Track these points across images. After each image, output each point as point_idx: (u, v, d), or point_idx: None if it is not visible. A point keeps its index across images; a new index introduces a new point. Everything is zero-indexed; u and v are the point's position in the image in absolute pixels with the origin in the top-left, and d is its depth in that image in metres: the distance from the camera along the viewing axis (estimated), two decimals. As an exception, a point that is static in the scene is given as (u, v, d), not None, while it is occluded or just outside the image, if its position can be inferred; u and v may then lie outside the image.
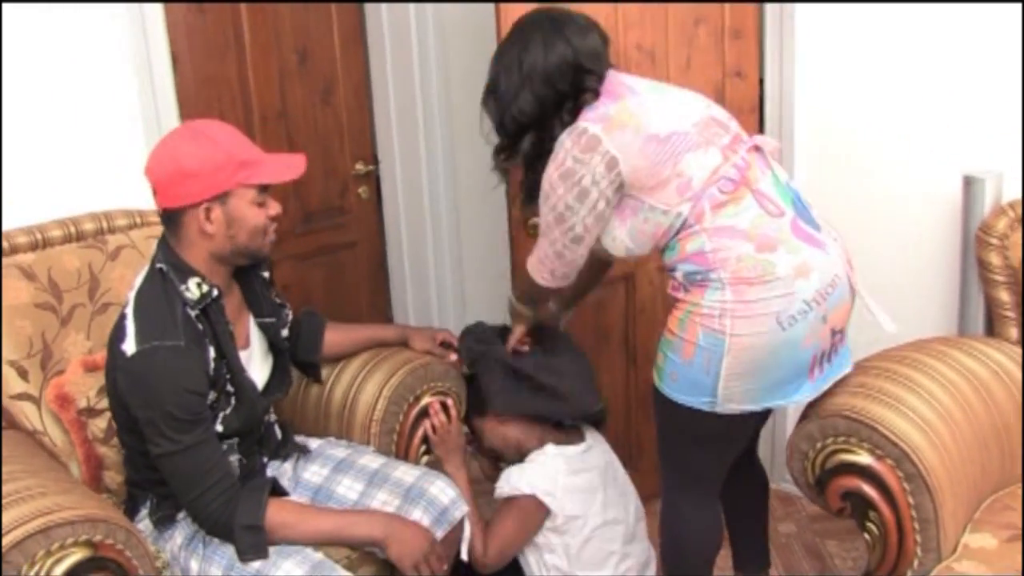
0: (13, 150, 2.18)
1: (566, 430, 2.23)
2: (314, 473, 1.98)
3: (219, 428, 1.75)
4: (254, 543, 1.68)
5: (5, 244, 2.04)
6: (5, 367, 1.94)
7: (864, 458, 1.76)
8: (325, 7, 3.08)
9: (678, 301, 1.83)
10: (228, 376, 1.77)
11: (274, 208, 1.75)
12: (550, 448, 2.15)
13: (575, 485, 2.13)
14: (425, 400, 2.14)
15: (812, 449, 1.84)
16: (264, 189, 1.73)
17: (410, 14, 3.05)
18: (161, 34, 2.43)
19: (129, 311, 1.71)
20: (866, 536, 1.81)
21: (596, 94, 1.82)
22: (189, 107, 2.70)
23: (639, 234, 1.82)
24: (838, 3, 2.44)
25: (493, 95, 1.89)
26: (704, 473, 1.97)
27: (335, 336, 2.16)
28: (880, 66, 2.41)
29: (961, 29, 2.31)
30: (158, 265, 1.73)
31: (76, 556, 1.50)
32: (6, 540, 1.44)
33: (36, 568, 1.46)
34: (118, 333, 1.70)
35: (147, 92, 2.40)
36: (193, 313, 1.71)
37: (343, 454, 2.01)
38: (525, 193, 1.94)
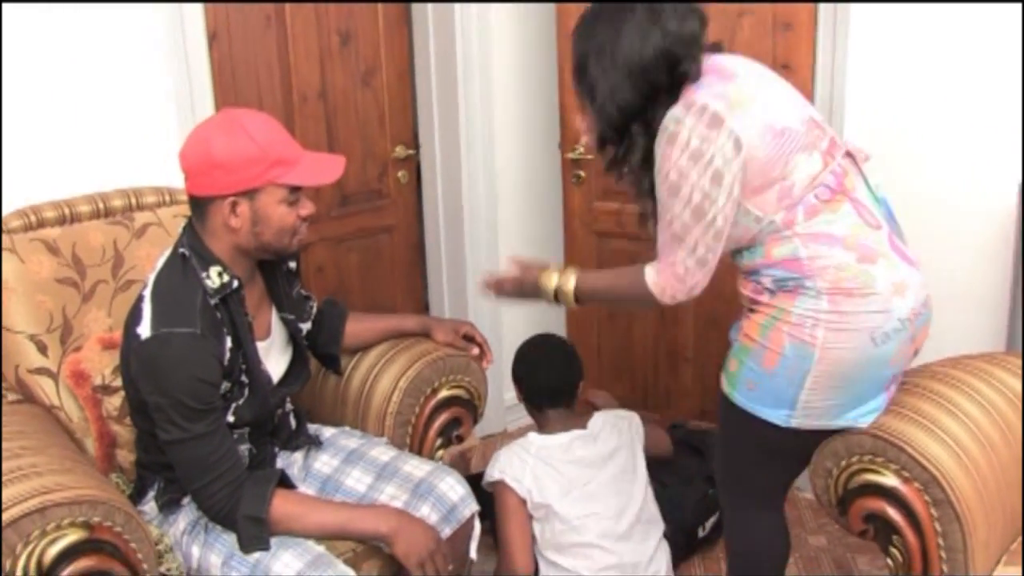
0: (46, 126, 2.19)
1: (564, 418, 2.30)
2: (324, 463, 1.96)
3: (230, 419, 1.73)
4: (256, 535, 1.66)
5: (32, 218, 2.04)
6: (25, 341, 1.94)
7: (890, 479, 1.67)
8: (370, -13, 3.05)
9: (759, 305, 1.71)
10: (243, 367, 1.75)
11: (307, 208, 1.71)
12: (531, 436, 2.27)
13: (546, 473, 2.18)
14: (443, 393, 2.11)
15: (836, 467, 1.76)
16: (297, 188, 1.69)
17: (455, 3, 3.00)
18: (197, 10, 2.43)
19: (147, 293, 1.69)
20: (889, 561, 1.73)
21: (697, 74, 1.65)
22: (226, 85, 2.70)
23: (731, 240, 1.68)
24: (895, 2, 2.33)
25: (585, 81, 1.70)
26: (770, 487, 1.90)
27: (356, 327, 2.13)
28: (935, 66, 2.32)
29: (1016, 34, 2.21)
30: (181, 250, 1.70)
31: (71, 537, 1.49)
32: (3, 518, 1.43)
33: (30, 548, 1.45)
34: (134, 316, 1.68)
35: (182, 69, 2.40)
36: (213, 301, 1.68)
37: (355, 445, 1.98)
38: (640, 192, 1.75)
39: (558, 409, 2.32)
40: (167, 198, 2.26)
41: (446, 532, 1.84)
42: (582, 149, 3.05)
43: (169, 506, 1.79)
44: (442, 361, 2.10)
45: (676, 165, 1.60)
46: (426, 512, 1.83)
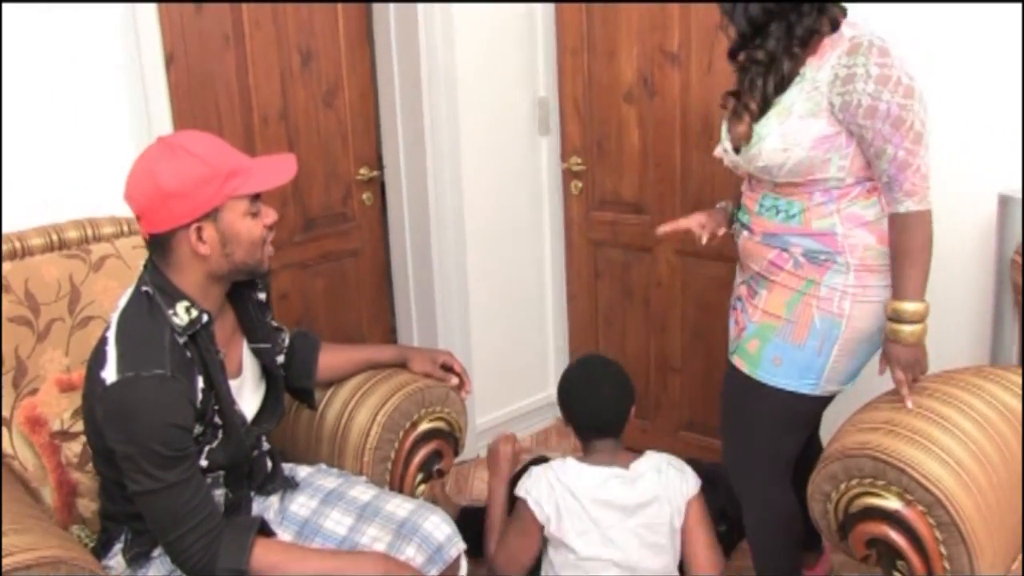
0: (-7, 153, 2.08)
1: (609, 450, 2.15)
2: (301, 505, 1.86)
3: (203, 463, 1.62)
4: None
5: (-21, 253, 1.93)
6: (-27, 385, 1.83)
7: (892, 503, 1.63)
8: (331, 6, 2.96)
9: (778, 274, 1.86)
10: (216, 408, 1.64)
11: (270, 216, 1.64)
12: (569, 461, 2.13)
13: (569, 507, 2.06)
14: (423, 426, 2.02)
15: (835, 491, 1.71)
16: (256, 197, 1.61)
17: (418, 16, 2.93)
18: (154, 31, 2.35)
19: (111, 335, 1.57)
20: (894, 587, 1.68)
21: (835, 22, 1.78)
22: (184, 108, 2.60)
23: (805, 164, 1.77)
24: (870, 2, 2.30)
25: None
26: (790, 456, 1.98)
27: (329, 359, 2.03)
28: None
29: (998, 42, 2.20)
30: (144, 288, 1.59)
31: (33, 601, 1.38)
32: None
33: (-11, 617, 1.35)
34: (98, 359, 1.56)
35: (138, 92, 2.31)
36: (181, 340, 1.57)
37: (333, 484, 1.88)
38: (761, 100, 1.81)
39: (605, 440, 2.17)
40: (125, 228, 2.15)
41: (432, 573, 1.76)
42: (579, 160, 3.11)
43: (137, 560, 1.68)
44: (421, 393, 2.02)
45: (899, 102, 1.69)
46: (411, 553, 1.75)
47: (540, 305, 3.42)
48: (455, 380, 2.08)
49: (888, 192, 1.77)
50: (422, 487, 2.05)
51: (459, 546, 1.80)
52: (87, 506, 1.84)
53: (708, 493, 2.53)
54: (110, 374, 1.51)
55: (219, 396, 1.64)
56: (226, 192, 1.55)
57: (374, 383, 2.03)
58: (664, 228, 2.10)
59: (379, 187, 3.25)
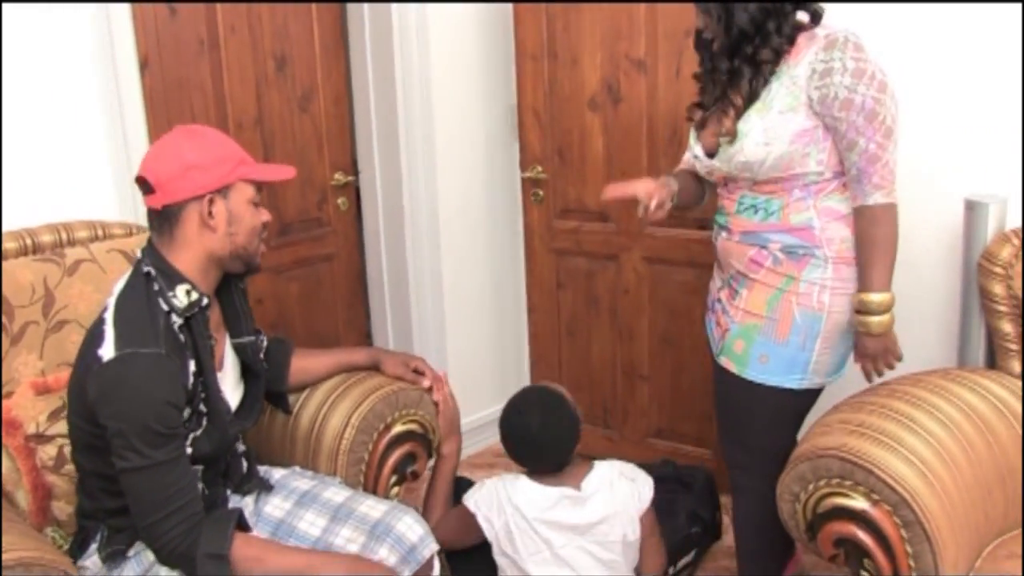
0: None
1: (556, 473, 2.06)
2: (276, 507, 1.87)
3: (188, 450, 1.64)
4: (217, 572, 1.56)
5: (-48, 257, 1.93)
6: (-55, 389, 1.82)
7: (859, 503, 1.66)
8: (305, 10, 2.97)
9: (758, 272, 1.90)
10: (203, 396, 1.67)
11: (265, 214, 1.75)
12: (522, 480, 2.05)
13: (520, 529, 2.00)
14: (397, 428, 2.04)
15: (804, 491, 1.74)
16: (259, 191, 1.72)
17: (393, 20, 2.94)
18: (128, 35, 2.34)
19: (108, 316, 1.61)
20: (861, 585, 1.71)
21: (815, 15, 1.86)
22: (159, 113, 2.60)
23: (785, 159, 1.82)
24: (851, 1, 2.34)
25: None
26: (774, 451, 1.97)
27: (303, 362, 2.06)
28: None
29: (966, 48, 2.24)
30: (145, 269, 1.65)
31: (6, 603, 1.38)
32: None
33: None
34: (94, 338, 1.59)
35: (112, 98, 2.30)
36: (177, 323, 1.62)
37: (307, 486, 1.90)
38: (748, 95, 1.85)
39: (544, 474, 2.07)
40: (100, 232, 2.15)
41: (406, 574, 1.77)
42: (540, 168, 3.07)
43: (113, 558, 1.68)
44: (395, 395, 2.03)
45: (873, 96, 1.75)
46: (384, 554, 1.76)
47: (516, 310, 3.42)
48: (426, 382, 2.10)
49: (856, 184, 1.82)
50: (396, 489, 2.06)
51: (432, 547, 1.82)
52: (62, 509, 1.84)
53: (681, 496, 2.56)
54: (108, 351, 1.55)
55: (207, 383, 1.67)
56: (239, 173, 1.67)
57: (348, 386, 2.04)
58: (609, 193, 2.01)
59: (354, 192, 3.26)
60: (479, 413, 3.36)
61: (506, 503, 2.01)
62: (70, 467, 1.82)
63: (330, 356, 2.12)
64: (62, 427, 1.81)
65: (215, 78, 2.77)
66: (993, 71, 2.20)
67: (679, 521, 2.50)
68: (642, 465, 2.24)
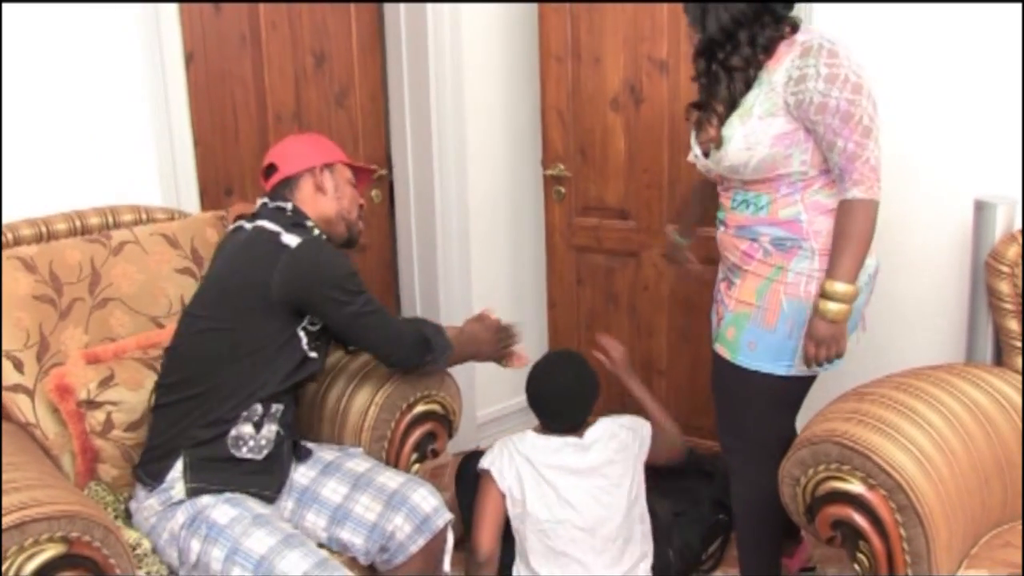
0: (22, 143, 2.20)
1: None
2: (302, 475, 1.99)
3: (312, 354, 1.94)
4: (444, 343, 2.02)
5: (8, 236, 2.06)
6: (1, 358, 1.95)
7: (856, 487, 1.73)
8: (344, 9, 3.09)
9: (751, 263, 1.98)
10: None
11: (361, 199, 2.10)
12: (528, 433, 2.29)
13: (528, 474, 2.21)
14: (418, 408, 2.13)
15: (804, 475, 1.81)
16: (356, 173, 2.10)
17: (427, 20, 3.04)
18: (175, 31, 2.45)
19: (266, 223, 1.90)
20: (856, 567, 1.77)
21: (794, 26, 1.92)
22: (201, 105, 2.72)
23: (768, 161, 1.90)
24: (850, 1, 2.39)
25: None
26: (771, 438, 2.05)
27: None
28: (891, 82, 2.35)
29: (978, 49, 2.28)
30: (277, 203, 1.97)
31: (49, 553, 1.49)
32: (-18, 533, 1.44)
33: (8, 564, 1.46)
34: (266, 237, 1.88)
35: (159, 89, 2.42)
36: None
37: (332, 457, 2.02)
38: (728, 102, 1.93)
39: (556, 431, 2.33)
40: (144, 216, 2.27)
41: (419, 543, 1.88)
42: (562, 167, 3.13)
43: (197, 493, 1.82)
44: (417, 378, 2.12)
45: (847, 98, 1.82)
46: (400, 522, 1.87)
47: (537, 305, 3.48)
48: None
49: (840, 182, 1.89)
50: (416, 466, 2.16)
51: (445, 517, 1.92)
52: (107, 471, 1.96)
53: (706, 484, 2.62)
54: (291, 240, 1.86)
55: None
56: (338, 157, 2.07)
57: (372, 367, 2.14)
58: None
59: (388, 185, 3.36)
60: (500, 404, 3.44)
61: (515, 454, 2.23)
62: (117, 432, 1.95)
63: None
64: (111, 394, 1.94)
65: (256, 73, 2.89)
66: (1002, 73, 2.25)
67: (704, 509, 2.56)
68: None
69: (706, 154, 2.02)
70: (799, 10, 2.45)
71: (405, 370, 2.07)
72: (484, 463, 2.29)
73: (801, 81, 1.84)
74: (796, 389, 2.05)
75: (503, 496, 2.25)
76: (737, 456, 2.15)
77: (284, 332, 1.87)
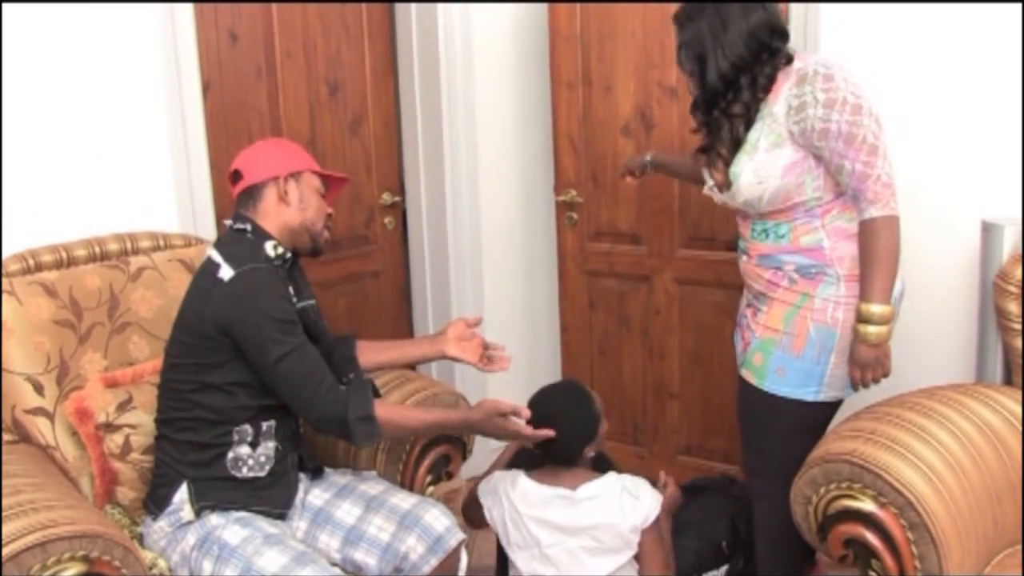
0: (44, 171, 2.24)
1: (555, 472, 2.07)
2: (316, 496, 2.01)
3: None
4: (369, 432, 1.84)
5: (30, 261, 2.10)
6: (22, 381, 1.98)
7: (867, 505, 1.73)
8: (358, 39, 3.14)
9: (776, 291, 1.99)
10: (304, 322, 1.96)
11: (328, 208, 2.05)
12: (520, 479, 2.07)
13: (514, 523, 2.04)
14: (433, 431, 2.15)
15: (816, 494, 1.82)
16: (324, 182, 2.04)
17: (440, 48, 3.10)
18: (193, 61, 2.51)
19: (213, 253, 1.90)
20: (868, 585, 1.78)
21: (789, 58, 1.93)
22: (218, 132, 2.77)
23: (781, 192, 1.91)
24: (858, 2, 2.42)
25: (695, 50, 1.95)
26: (800, 462, 1.97)
27: (367, 355, 2.17)
28: (895, 104, 2.36)
29: (982, 71, 2.30)
30: (238, 225, 1.94)
31: (70, 572, 1.52)
32: (3, 552, 1.46)
33: (31, 583, 1.49)
34: (208, 271, 1.87)
35: (177, 118, 2.47)
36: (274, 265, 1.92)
37: (346, 480, 2.04)
38: (731, 145, 1.96)
39: (549, 469, 2.09)
40: (161, 243, 2.31)
41: (432, 563, 1.89)
42: (574, 192, 3.16)
43: (201, 514, 1.85)
44: (432, 400, 2.15)
45: (848, 120, 1.83)
46: (412, 543, 1.88)
47: (550, 330, 3.48)
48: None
49: (855, 203, 1.91)
50: (431, 489, 2.18)
51: (458, 536, 1.93)
52: (125, 494, 1.99)
53: (718, 502, 2.57)
54: (227, 273, 1.84)
55: (303, 311, 2.00)
56: (307, 165, 2.02)
57: (388, 389, 2.17)
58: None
59: (400, 212, 3.41)
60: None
61: (503, 496, 2.05)
62: (135, 455, 1.97)
63: (391, 344, 2.23)
64: (129, 418, 1.98)
65: (271, 101, 2.94)
66: (1007, 94, 2.27)
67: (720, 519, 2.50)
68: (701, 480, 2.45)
69: (720, 188, 2.04)
70: (806, 12, 2.53)
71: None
72: (480, 494, 2.11)
73: (801, 109, 1.86)
74: (823, 414, 2.05)
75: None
76: (761, 479, 2.14)
77: (236, 356, 1.84)
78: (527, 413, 1.96)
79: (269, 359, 1.80)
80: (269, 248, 1.91)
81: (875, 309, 1.88)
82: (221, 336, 1.82)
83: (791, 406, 2.01)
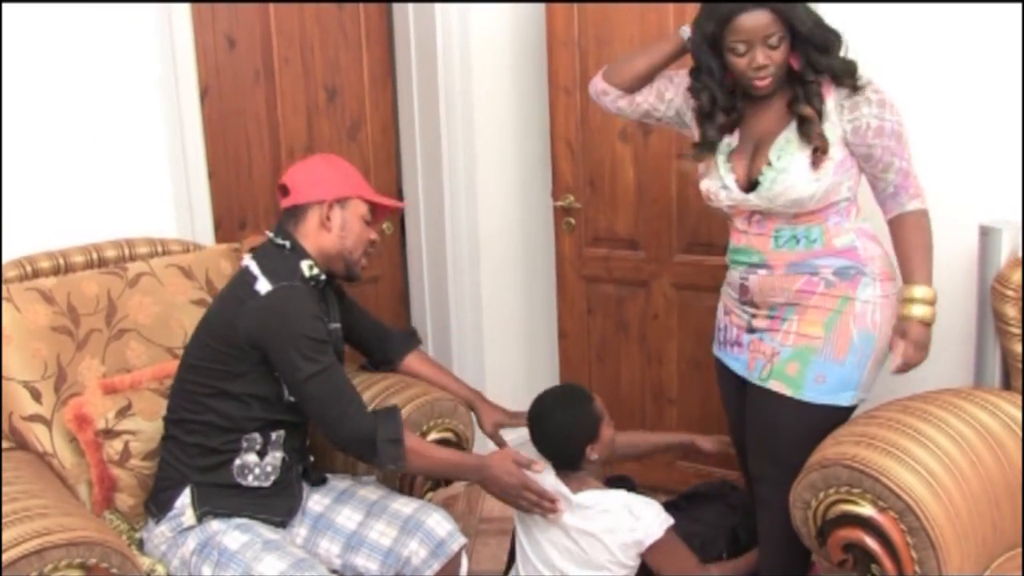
0: (41, 178, 2.24)
1: (567, 475, 2.10)
2: (316, 502, 2.01)
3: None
4: (395, 455, 1.85)
5: (27, 268, 2.10)
6: (19, 388, 1.98)
7: (866, 509, 1.73)
8: (355, 44, 3.15)
9: (811, 297, 1.99)
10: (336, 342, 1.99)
11: (374, 234, 2.05)
12: (548, 472, 2.10)
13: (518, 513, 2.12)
14: (431, 436, 2.15)
15: (815, 499, 1.81)
16: (373, 210, 2.04)
17: (438, 53, 3.10)
18: (190, 65, 2.51)
19: (251, 264, 1.91)
20: (868, 590, 1.77)
21: None
22: (216, 138, 2.77)
23: (832, 190, 1.95)
24: (859, 3, 2.41)
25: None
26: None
27: (414, 365, 2.31)
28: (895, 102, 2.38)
29: (980, 76, 2.31)
30: (280, 241, 1.95)
31: (68, 578, 1.52)
32: (2, 559, 1.46)
33: (28, 590, 1.48)
34: (245, 279, 1.89)
35: (175, 123, 2.47)
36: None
37: (345, 485, 2.04)
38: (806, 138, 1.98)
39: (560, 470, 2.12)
40: (159, 248, 2.32)
41: (435, 567, 1.89)
42: (572, 198, 3.17)
43: (205, 518, 1.86)
44: (430, 405, 2.15)
45: (895, 120, 1.94)
46: (415, 547, 1.88)
47: (548, 335, 3.46)
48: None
49: (893, 199, 1.99)
50: (430, 494, 2.17)
51: (460, 541, 1.93)
52: (124, 500, 1.99)
53: (718, 512, 2.57)
54: (263, 286, 1.85)
55: (333, 332, 2.00)
56: (357, 192, 2.00)
57: (386, 396, 2.16)
58: None
59: (399, 217, 3.41)
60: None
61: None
62: (134, 461, 1.97)
63: (436, 372, 2.34)
64: (129, 424, 1.97)
65: (269, 107, 2.94)
66: (1005, 98, 2.27)
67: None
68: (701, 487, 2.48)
69: (746, 189, 2.00)
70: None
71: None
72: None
73: (855, 108, 1.93)
74: (846, 418, 2.03)
75: None
76: (772, 485, 2.07)
77: (259, 369, 1.86)
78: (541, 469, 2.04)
79: (300, 377, 1.81)
80: (304, 267, 1.92)
81: (925, 291, 1.95)
82: (250, 348, 1.83)
83: (824, 412, 1.99)
